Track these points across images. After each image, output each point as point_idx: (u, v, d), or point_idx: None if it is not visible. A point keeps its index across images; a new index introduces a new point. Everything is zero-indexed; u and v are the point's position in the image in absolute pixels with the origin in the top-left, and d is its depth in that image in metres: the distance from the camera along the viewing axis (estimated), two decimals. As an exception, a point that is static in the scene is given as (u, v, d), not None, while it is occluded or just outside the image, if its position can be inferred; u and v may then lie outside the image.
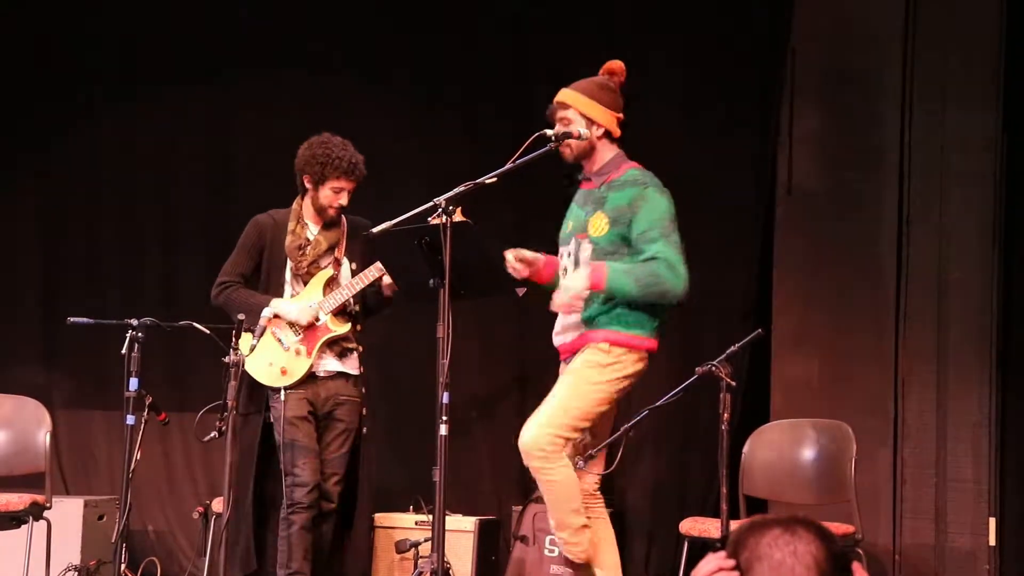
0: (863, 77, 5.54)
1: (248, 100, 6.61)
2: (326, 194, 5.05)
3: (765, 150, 5.73)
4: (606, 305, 4.31)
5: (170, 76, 6.75)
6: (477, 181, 4.18)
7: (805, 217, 5.59)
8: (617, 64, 4.47)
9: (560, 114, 4.42)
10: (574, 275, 4.32)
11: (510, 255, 4.45)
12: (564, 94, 4.44)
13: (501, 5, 6.34)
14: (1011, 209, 5.32)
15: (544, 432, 4.24)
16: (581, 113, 4.39)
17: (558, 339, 4.48)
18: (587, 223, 4.36)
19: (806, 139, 5.59)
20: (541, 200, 6.11)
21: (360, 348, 5.12)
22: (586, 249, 4.35)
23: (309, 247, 5.06)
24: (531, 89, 6.19)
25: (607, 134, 4.42)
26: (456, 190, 4.13)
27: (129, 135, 6.90)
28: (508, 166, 4.24)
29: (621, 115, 4.45)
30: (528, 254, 4.49)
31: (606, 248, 4.30)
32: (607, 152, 4.43)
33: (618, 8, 6.12)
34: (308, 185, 5.09)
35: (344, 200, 5.06)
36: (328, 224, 5.11)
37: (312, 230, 5.11)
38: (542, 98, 5.98)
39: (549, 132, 4.31)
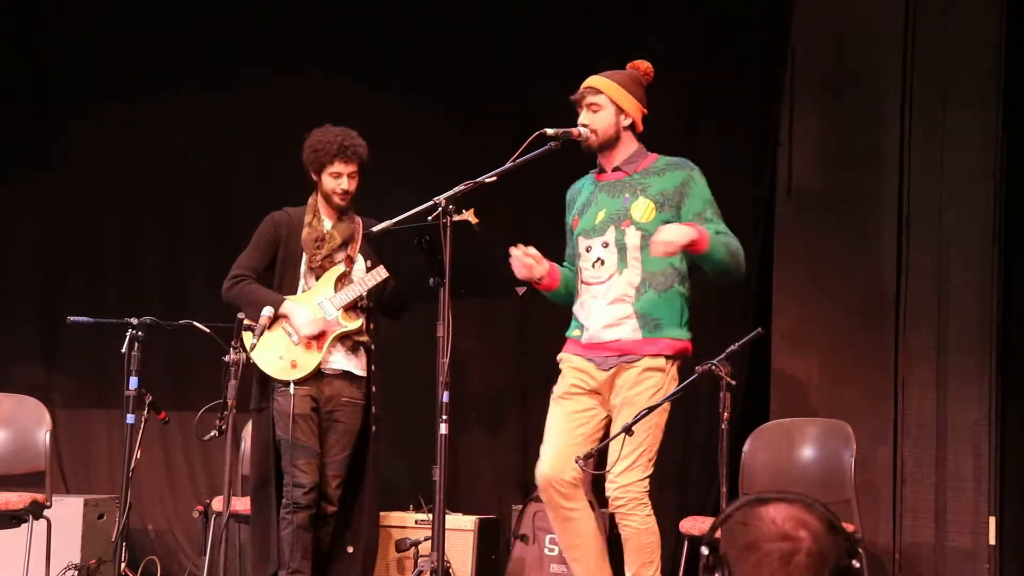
0: (863, 77, 5.53)
1: (249, 100, 6.61)
2: (327, 181, 5.06)
3: (765, 150, 5.73)
4: (659, 298, 4.30)
5: (171, 76, 6.75)
6: (477, 180, 4.18)
7: (805, 217, 5.59)
8: (646, 64, 4.48)
9: (590, 99, 4.39)
10: (674, 226, 4.19)
11: (518, 250, 4.41)
12: (596, 80, 4.42)
13: (501, 5, 6.34)
14: (1011, 209, 5.30)
15: (641, 479, 4.24)
16: (612, 100, 4.38)
17: (609, 332, 4.36)
18: (629, 210, 4.35)
19: (806, 139, 5.58)
20: (541, 200, 6.13)
21: (372, 345, 5.10)
22: (634, 236, 4.33)
23: (325, 240, 5.06)
24: (530, 89, 6.22)
25: (631, 126, 4.43)
26: (456, 189, 4.13)
27: (129, 135, 6.89)
28: (508, 165, 4.24)
29: (646, 110, 4.47)
30: (535, 251, 4.45)
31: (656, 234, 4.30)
32: (631, 144, 4.44)
33: (618, 8, 6.12)
34: (314, 177, 5.11)
35: (346, 184, 5.05)
36: (342, 218, 5.10)
37: (327, 224, 5.11)
38: (541, 98, 6.03)
39: (549, 131, 4.28)
